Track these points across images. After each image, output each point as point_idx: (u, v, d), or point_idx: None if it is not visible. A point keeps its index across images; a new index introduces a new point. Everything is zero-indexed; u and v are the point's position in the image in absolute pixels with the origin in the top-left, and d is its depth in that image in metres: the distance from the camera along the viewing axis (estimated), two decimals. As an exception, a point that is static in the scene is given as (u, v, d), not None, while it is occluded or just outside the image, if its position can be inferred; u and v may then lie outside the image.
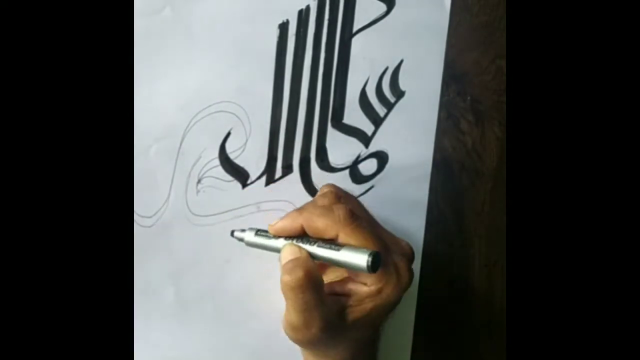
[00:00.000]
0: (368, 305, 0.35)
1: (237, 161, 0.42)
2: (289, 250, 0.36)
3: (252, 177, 0.42)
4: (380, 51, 0.42)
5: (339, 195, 0.39)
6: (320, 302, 0.34)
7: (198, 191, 0.41)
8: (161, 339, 0.42)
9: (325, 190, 0.40)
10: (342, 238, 0.35)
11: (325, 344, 0.36)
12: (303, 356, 0.40)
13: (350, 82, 0.42)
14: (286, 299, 0.34)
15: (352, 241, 0.35)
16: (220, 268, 0.42)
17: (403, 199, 0.45)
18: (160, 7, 0.38)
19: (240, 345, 0.44)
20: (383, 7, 0.42)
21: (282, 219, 0.37)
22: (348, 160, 0.44)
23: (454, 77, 0.44)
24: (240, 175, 0.42)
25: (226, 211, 0.42)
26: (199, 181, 0.41)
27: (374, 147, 0.44)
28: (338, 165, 0.44)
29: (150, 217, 0.41)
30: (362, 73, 0.43)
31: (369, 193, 0.44)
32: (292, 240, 0.36)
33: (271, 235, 0.37)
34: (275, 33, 0.40)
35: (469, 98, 0.45)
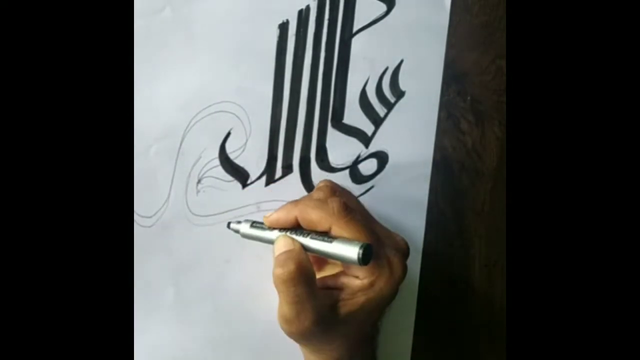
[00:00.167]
0: (360, 298, 0.35)
1: (237, 161, 0.42)
2: (282, 242, 0.36)
3: (252, 177, 0.42)
4: (380, 51, 0.42)
5: (335, 189, 0.39)
6: (312, 295, 0.34)
7: (198, 191, 0.41)
8: (161, 339, 0.42)
9: (322, 185, 0.40)
10: (335, 231, 0.35)
11: (319, 338, 0.36)
12: (302, 354, 0.40)
13: (350, 82, 0.42)
14: (278, 291, 0.35)
15: (344, 234, 0.35)
16: (220, 268, 0.42)
17: (403, 199, 0.45)
18: (160, 7, 0.38)
19: (240, 345, 0.44)
20: (383, 7, 0.42)
21: (277, 210, 0.37)
22: (348, 160, 0.44)
23: (454, 77, 0.44)
24: (240, 175, 0.42)
25: (226, 211, 0.42)
26: (199, 181, 0.41)
27: (374, 147, 0.44)
28: (338, 165, 0.44)
29: (150, 217, 0.41)
30: (362, 73, 0.43)
31: (369, 193, 0.44)
32: (287, 232, 0.37)
33: (266, 227, 0.38)
34: (275, 33, 0.40)
35: (469, 98, 0.45)
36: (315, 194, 0.39)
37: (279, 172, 0.43)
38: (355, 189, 0.44)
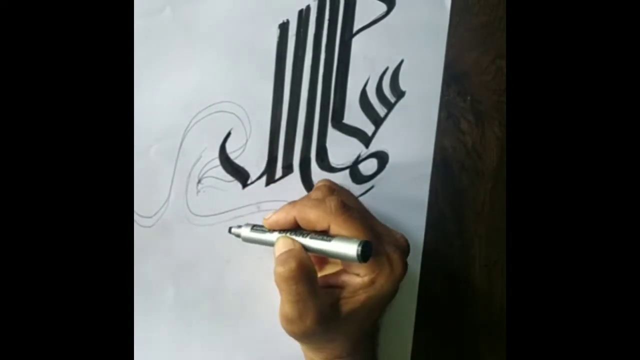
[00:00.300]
0: (362, 296, 0.35)
1: (238, 161, 0.42)
2: (282, 242, 0.36)
3: (253, 177, 0.42)
4: (380, 51, 0.42)
5: (333, 188, 0.39)
6: (314, 293, 0.34)
7: (198, 191, 0.41)
8: (161, 339, 0.42)
9: (320, 184, 0.40)
10: (333, 229, 0.35)
11: (320, 337, 0.36)
12: (302, 352, 0.40)
13: (350, 82, 0.42)
14: (280, 290, 0.35)
15: (343, 232, 0.35)
16: (220, 268, 0.42)
17: (403, 199, 0.45)
18: (161, 7, 0.38)
19: (240, 345, 0.44)
20: (383, 7, 0.42)
21: (276, 212, 0.37)
22: (348, 160, 0.44)
23: (454, 77, 0.44)
24: (240, 175, 0.42)
25: (226, 211, 0.42)
26: (199, 181, 0.41)
27: (374, 147, 0.44)
28: (338, 165, 0.44)
29: (150, 217, 0.41)
30: (362, 73, 0.43)
31: (369, 193, 0.44)
32: (286, 233, 0.37)
33: (266, 230, 0.38)
34: (275, 33, 0.40)
35: (469, 98, 0.45)
36: (314, 193, 0.39)
37: (279, 172, 0.43)
38: (356, 189, 0.44)
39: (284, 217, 0.37)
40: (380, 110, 0.43)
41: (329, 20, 0.41)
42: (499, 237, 0.47)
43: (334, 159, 0.43)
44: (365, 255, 0.34)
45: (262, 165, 0.42)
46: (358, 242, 0.34)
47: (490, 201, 0.47)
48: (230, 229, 0.40)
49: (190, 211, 0.41)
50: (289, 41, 0.41)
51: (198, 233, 0.42)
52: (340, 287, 0.36)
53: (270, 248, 0.37)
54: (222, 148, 0.41)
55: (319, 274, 0.37)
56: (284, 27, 0.40)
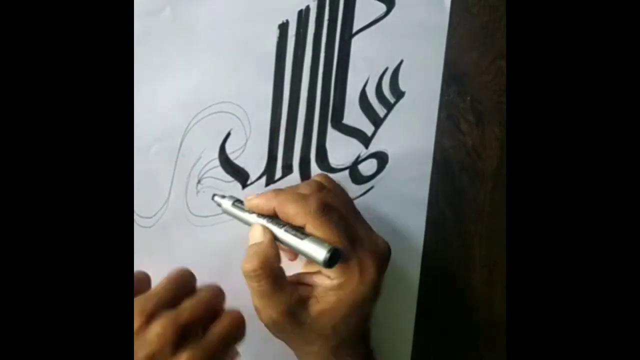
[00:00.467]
0: (332, 298, 0.36)
1: (237, 162, 0.42)
2: (255, 231, 0.37)
3: (252, 177, 0.42)
4: (380, 51, 0.42)
5: (322, 186, 0.39)
6: (278, 290, 0.35)
7: (198, 191, 0.41)
8: (161, 339, 0.42)
9: (315, 178, 0.40)
10: (309, 229, 0.35)
11: (294, 333, 0.36)
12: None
13: (350, 83, 0.42)
14: (247, 283, 0.36)
15: (318, 233, 0.35)
16: (220, 268, 0.42)
17: (403, 200, 0.45)
18: (160, 8, 0.38)
19: (240, 346, 0.44)
20: (383, 7, 0.42)
21: (259, 195, 0.38)
22: (348, 160, 0.44)
23: (454, 78, 0.44)
24: (240, 175, 0.42)
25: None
26: (199, 181, 0.41)
27: (373, 147, 0.44)
28: (338, 165, 0.44)
29: (150, 217, 0.41)
30: (362, 73, 0.43)
31: (369, 193, 0.44)
32: (264, 218, 0.37)
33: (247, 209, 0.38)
34: (275, 33, 0.40)
35: (469, 98, 0.45)
36: (302, 186, 0.39)
37: (279, 173, 0.43)
38: (355, 190, 0.44)
39: (264, 203, 0.37)
40: (380, 110, 0.43)
41: (329, 20, 0.41)
42: (499, 237, 0.47)
43: (334, 159, 0.43)
44: (331, 261, 0.34)
45: (262, 166, 0.42)
46: (328, 248, 0.34)
47: (490, 201, 0.47)
48: (214, 195, 0.41)
49: (190, 211, 0.41)
50: (289, 41, 0.41)
51: (198, 233, 0.42)
52: (313, 285, 0.37)
53: None
54: (222, 148, 0.41)
55: (306, 267, 0.38)
56: (283, 28, 0.40)
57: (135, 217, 0.40)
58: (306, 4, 0.40)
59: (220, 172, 0.41)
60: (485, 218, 0.47)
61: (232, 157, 0.41)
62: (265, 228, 0.37)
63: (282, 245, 0.37)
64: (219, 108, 0.40)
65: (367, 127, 0.43)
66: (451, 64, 0.44)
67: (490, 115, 0.45)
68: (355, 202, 0.42)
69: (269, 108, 0.41)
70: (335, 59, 0.42)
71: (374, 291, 0.37)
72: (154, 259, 0.41)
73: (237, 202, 0.39)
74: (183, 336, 0.33)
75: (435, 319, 0.48)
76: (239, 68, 0.40)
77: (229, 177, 0.42)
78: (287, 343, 0.39)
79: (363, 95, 0.43)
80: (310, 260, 0.35)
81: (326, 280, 0.36)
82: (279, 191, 0.38)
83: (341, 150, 0.43)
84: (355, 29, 0.42)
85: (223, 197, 0.40)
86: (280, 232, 0.36)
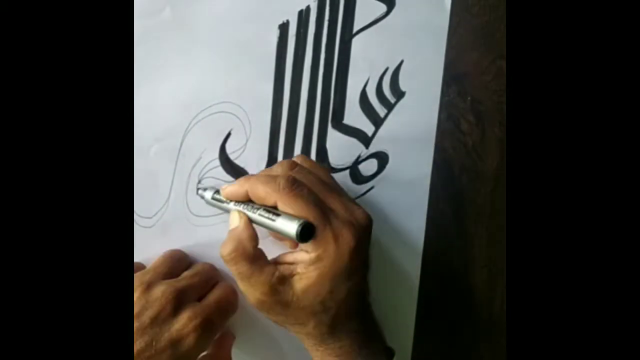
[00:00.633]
0: (313, 272, 0.35)
1: (238, 162, 0.42)
2: (232, 217, 0.37)
3: (252, 177, 0.42)
4: (380, 52, 0.42)
5: (294, 164, 0.39)
6: (257, 270, 0.35)
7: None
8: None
9: (293, 159, 0.40)
10: (280, 206, 0.36)
11: (284, 312, 0.36)
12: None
13: (350, 83, 0.42)
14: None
15: (288, 209, 0.35)
16: (220, 268, 0.42)
17: (403, 199, 0.45)
18: (160, 8, 0.38)
19: (240, 343, 0.44)
20: (383, 8, 0.42)
21: (233, 183, 0.38)
22: (348, 160, 0.44)
23: (454, 78, 0.44)
24: (240, 175, 0.42)
25: (226, 212, 0.42)
26: (199, 182, 0.41)
27: (374, 147, 0.44)
28: (338, 165, 0.44)
29: (150, 217, 0.41)
30: (362, 73, 0.43)
31: (369, 193, 0.44)
32: (241, 205, 0.37)
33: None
34: (275, 33, 0.40)
35: (469, 98, 0.45)
36: (275, 167, 0.39)
37: (279, 173, 0.43)
38: (356, 190, 0.44)
39: (237, 189, 0.37)
40: (380, 110, 0.43)
41: (329, 20, 0.41)
42: (499, 237, 0.47)
43: (334, 159, 0.43)
44: (304, 234, 0.34)
45: (262, 166, 0.42)
46: (299, 222, 0.34)
47: (490, 202, 0.47)
48: (198, 189, 0.41)
49: (190, 211, 0.41)
50: (289, 41, 0.41)
51: (198, 233, 0.42)
52: (295, 262, 0.37)
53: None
54: (222, 148, 0.41)
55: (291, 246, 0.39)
56: (284, 28, 0.41)
57: (136, 217, 0.40)
58: (306, 4, 0.40)
59: (221, 172, 0.41)
60: (486, 218, 0.47)
61: (232, 157, 0.41)
62: (240, 213, 0.37)
63: (273, 232, 0.37)
64: (219, 108, 0.41)
65: (368, 127, 0.43)
66: (451, 64, 0.44)
67: (490, 116, 0.45)
68: (356, 202, 0.42)
69: (269, 108, 0.41)
70: (336, 59, 0.42)
71: (357, 261, 0.36)
72: (154, 259, 0.41)
73: (217, 193, 0.40)
74: (181, 301, 0.37)
75: (436, 319, 0.48)
76: (239, 68, 0.40)
77: (229, 177, 0.42)
78: (285, 327, 0.39)
79: (363, 95, 0.43)
80: (288, 238, 0.36)
81: (305, 255, 0.36)
82: (250, 176, 0.38)
83: (341, 150, 0.43)
84: (355, 29, 0.42)
85: (205, 189, 0.40)
86: (255, 215, 0.36)
